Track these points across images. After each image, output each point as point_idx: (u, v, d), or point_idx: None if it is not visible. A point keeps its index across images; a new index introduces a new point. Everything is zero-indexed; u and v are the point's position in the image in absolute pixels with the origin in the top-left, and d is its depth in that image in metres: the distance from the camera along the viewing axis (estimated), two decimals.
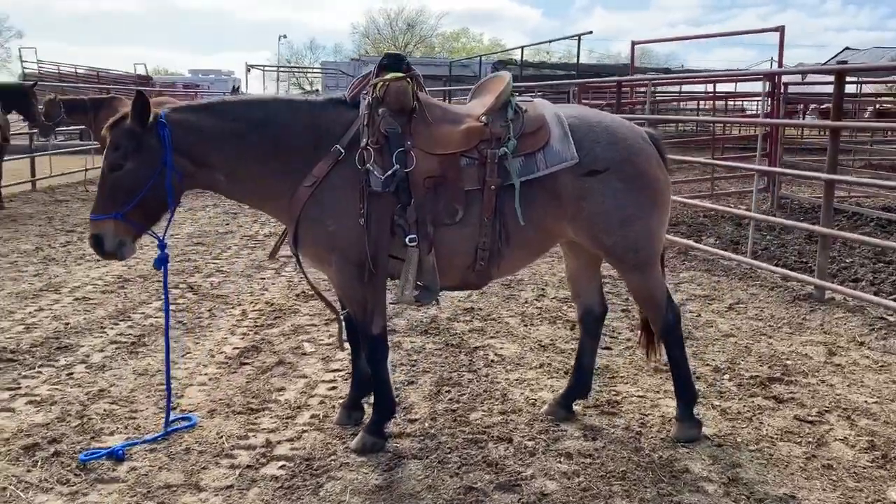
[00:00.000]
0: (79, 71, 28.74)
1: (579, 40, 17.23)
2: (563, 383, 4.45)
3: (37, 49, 28.23)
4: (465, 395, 4.32)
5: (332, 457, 3.57)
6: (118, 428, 3.88)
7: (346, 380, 4.53)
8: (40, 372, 4.65)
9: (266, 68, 32.54)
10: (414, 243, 3.35)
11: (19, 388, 4.38)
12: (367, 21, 77.67)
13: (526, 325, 5.70)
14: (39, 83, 22.85)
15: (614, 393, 4.40)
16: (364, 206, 3.31)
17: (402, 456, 3.57)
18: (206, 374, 4.64)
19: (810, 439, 3.84)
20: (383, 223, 3.34)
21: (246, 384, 4.49)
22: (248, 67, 28.89)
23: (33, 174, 13.68)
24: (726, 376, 4.72)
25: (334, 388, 4.43)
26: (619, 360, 4.99)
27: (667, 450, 3.68)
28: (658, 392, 4.42)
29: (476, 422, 3.96)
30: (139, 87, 25.49)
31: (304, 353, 5.02)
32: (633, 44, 12.91)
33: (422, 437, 3.77)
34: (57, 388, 4.39)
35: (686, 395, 3.82)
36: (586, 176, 3.45)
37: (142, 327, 5.57)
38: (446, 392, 4.36)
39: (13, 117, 12.02)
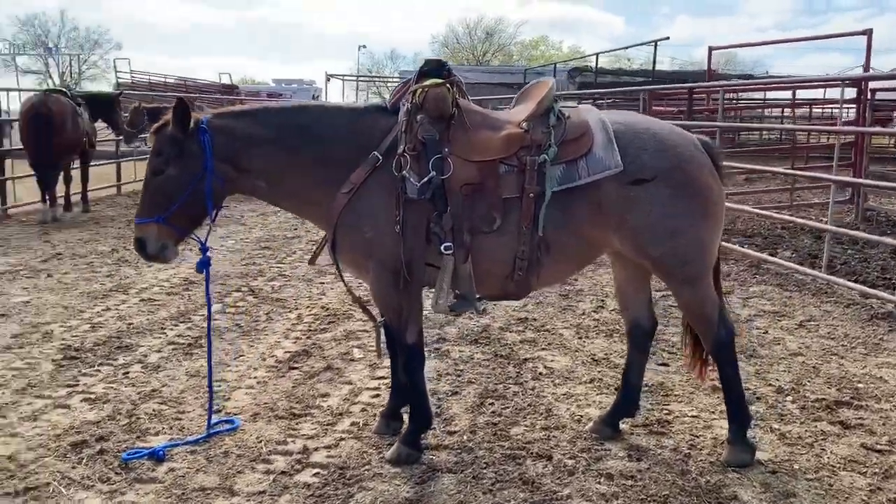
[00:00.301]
0: (168, 81, 29.92)
1: (655, 46, 16.82)
2: (612, 400, 4.30)
3: (130, 60, 29.59)
4: (508, 408, 4.21)
5: (367, 466, 3.53)
6: (163, 428, 3.95)
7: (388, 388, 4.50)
8: (99, 370, 4.79)
9: (346, 78, 33.05)
10: (449, 251, 3.29)
11: (77, 385, 4.53)
12: (446, 30, 78.19)
13: (581, 338, 5.54)
14: (132, 92, 23.95)
15: (666, 412, 4.22)
16: (400, 213, 3.27)
17: (436, 469, 3.51)
18: (254, 378, 4.69)
19: (877, 470, 3.58)
20: (419, 230, 3.29)
21: (292, 388, 4.51)
22: (328, 77, 29.40)
23: (119, 179, 14.28)
24: (789, 398, 4.46)
25: (377, 395, 4.40)
26: (675, 377, 4.78)
27: (715, 474, 3.49)
28: (713, 412, 4.21)
29: (516, 437, 3.85)
30: (224, 96, 26.33)
31: (353, 359, 5.02)
32: (710, 49, 12.51)
33: (459, 451, 3.69)
34: (112, 387, 4.51)
35: (739, 416, 3.62)
36: (632, 184, 3.31)
37: (200, 329, 5.68)
38: (489, 404, 4.26)
39: (100, 124, 12.55)
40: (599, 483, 3.39)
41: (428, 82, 3.39)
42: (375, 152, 3.33)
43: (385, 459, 3.58)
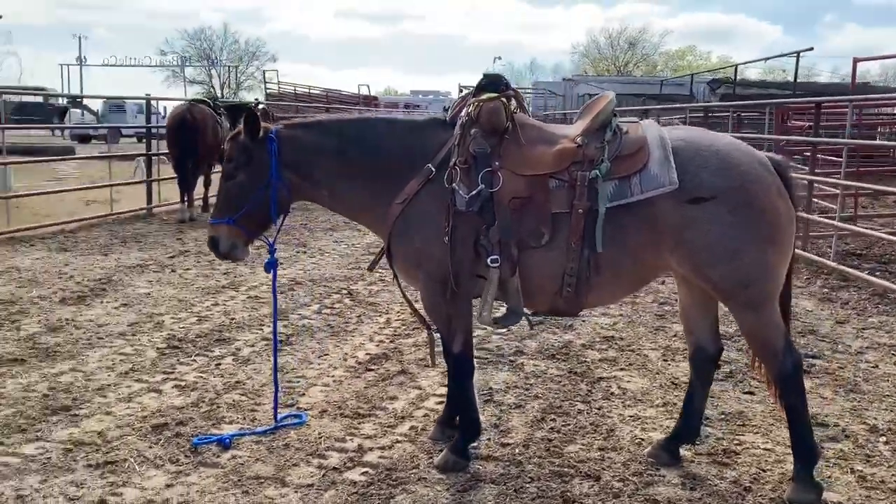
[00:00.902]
0: (311, 91, 31.43)
1: (798, 57, 15.87)
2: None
3: (279, 72, 31.37)
4: (569, 425, 4.17)
5: (414, 470, 3.61)
6: (238, 418, 4.21)
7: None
8: (195, 360, 5.17)
9: None
10: (496, 264, 3.32)
11: (172, 372, 4.91)
12: (587, 41, 77.29)
13: (665, 360, 5.37)
14: (278, 102, 25.40)
15: (737, 442, 4.02)
16: (449, 225, 3.34)
17: (480, 479, 3.53)
18: (332, 377, 4.89)
19: None
20: (467, 242, 3.34)
21: (363, 389, 4.67)
22: (461, 88, 29.86)
23: None
24: (882, 438, 4.13)
25: (442, 402, 4.46)
26: (758, 406, 4.55)
27: None
28: (788, 447, 3.95)
29: (570, 454, 3.81)
30: (363, 107, 27.36)
31: (427, 366, 5.12)
32: (855, 61, 11.70)
33: (508, 463, 3.70)
34: (202, 376, 4.85)
35: (803, 452, 3.40)
36: (690, 203, 3.20)
37: (294, 327, 5.99)
38: (550, 420, 4.24)
39: None
40: None
41: (484, 96, 3.44)
42: (429, 164, 3.42)
43: (433, 465, 3.64)
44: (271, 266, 3.86)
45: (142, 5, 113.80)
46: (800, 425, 3.41)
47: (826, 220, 8.50)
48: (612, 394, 4.67)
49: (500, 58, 64.93)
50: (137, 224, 11.22)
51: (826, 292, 7.46)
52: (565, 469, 3.64)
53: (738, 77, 23.26)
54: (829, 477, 3.67)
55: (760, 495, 3.46)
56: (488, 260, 3.32)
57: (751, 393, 4.77)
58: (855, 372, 5.21)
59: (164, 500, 3.29)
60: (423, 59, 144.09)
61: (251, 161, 3.52)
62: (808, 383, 4.85)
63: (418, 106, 39.24)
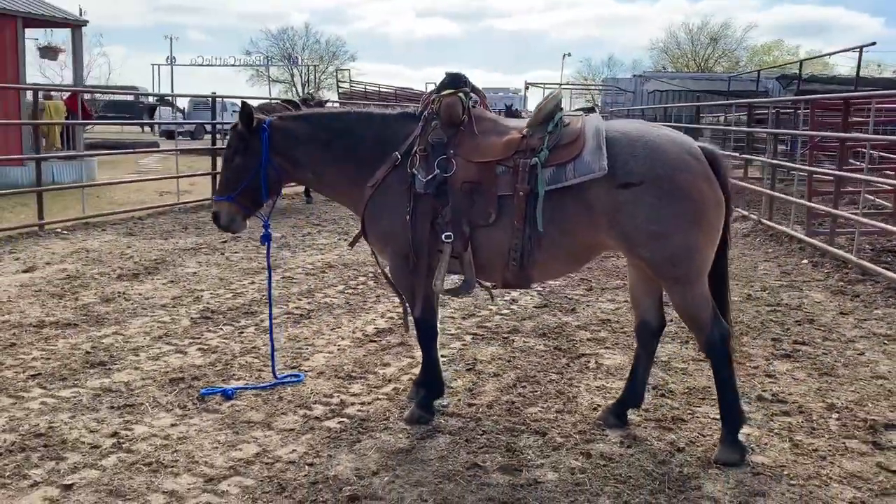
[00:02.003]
0: (382, 90, 32.32)
1: (860, 52, 15.55)
2: (647, 398, 4.52)
3: (357, 70, 32.45)
4: (536, 392, 4.58)
5: (384, 421, 4.11)
6: (245, 376, 4.80)
7: (444, 366, 5.04)
8: (221, 329, 5.81)
9: (546, 85, 33.63)
10: (449, 240, 3.77)
11: (199, 338, 5.55)
12: (666, 36, 75.91)
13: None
14: (349, 101, 26.29)
15: (689, 413, 4.35)
16: (410, 206, 3.81)
17: (439, 430, 4.00)
18: (337, 346, 5.44)
19: (875, 489, 3.52)
20: (425, 221, 3.81)
21: (362, 357, 5.20)
22: (527, 85, 30.20)
23: None
24: (836, 415, 4.37)
25: None
26: None
27: (694, 468, 3.65)
28: None
29: (527, 415, 4.23)
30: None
31: None
32: None
33: (469, 419, 4.15)
34: (225, 342, 5.48)
35: (730, 417, 3.73)
36: (621, 188, 3.58)
37: (317, 304, 6.58)
38: (521, 387, 4.66)
39: None
40: (576, 459, 3.70)
41: (445, 92, 3.90)
42: (396, 153, 3.90)
43: (402, 418, 4.13)
44: (266, 239, 4.42)
45: (233, 7, 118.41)
46: (726, 392, 3.73)
47: (848, 215, 8.54)
48: (587, 367, 5.05)
49: (569, 54, 64.75)
50: (201, 213, 12.09)
51: (841, 285, 7.56)
52: (518, 426, 4.07)
53: (814, 72, 22.74)
54: (766, 444, 3.97)
55: (690, 454, 3.80)
56: (443, 236, 3.78)
57: None
58: (837, 358, 5.41)
59: (165, 435, 3.89)
60: (505, 56, 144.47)
61: (247, 148, 4.08)
62: (786, 366, 5.17)
63: None
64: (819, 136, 9.47)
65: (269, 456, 3.69)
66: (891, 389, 4.81)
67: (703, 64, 68.48)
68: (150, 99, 40.07)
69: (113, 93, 32.77)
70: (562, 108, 3.84)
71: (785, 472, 3.64)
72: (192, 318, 6.05)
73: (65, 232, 10.03)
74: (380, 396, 4.48)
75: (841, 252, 8.49)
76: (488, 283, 4.10)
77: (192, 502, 3.25)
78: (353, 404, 4.36)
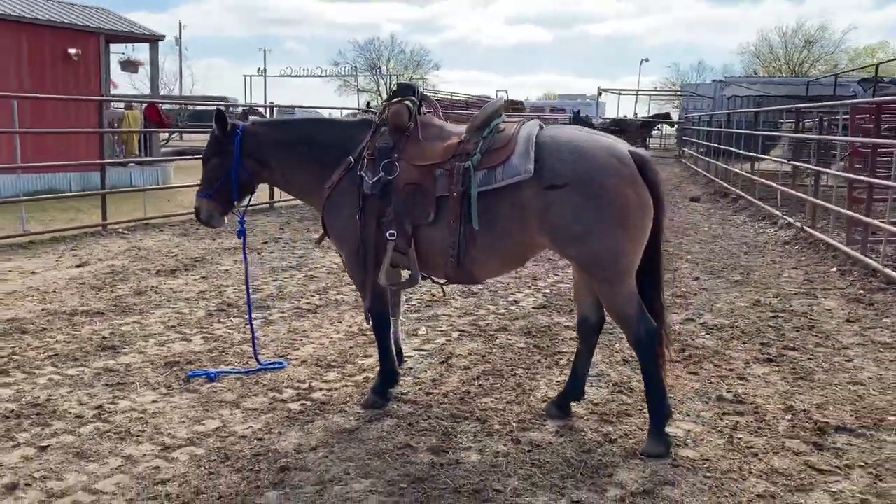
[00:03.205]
0: (452, 98, 32.80)
1: None
2: (601, 395, 4.69)
3: (426, 81, 32.93)
4: (496, 385, 4.81)
5: (343, 405, 4.44)
6: (236, 361, 5.23)
7: (421, 359, 5.34)
8: (231, 320, 6.28)
9: (622, 92, 33.34)
10: (393, 238, 4.07)
11: (208, 328, 6.04)
12: (758, 40, 73.59)
13: None
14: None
15: (640, 409, 4.48)
16: (360, 206, 4.13)
17: (389, 415, 4.30)
18: (330, 338, 5.81)
19: (791, 486, 3.60)
20: (372, 220, 4.12)
21: (348, 349, 5.55)
22: (600, 91, 30.04)
23: None
24: (788, 417, 4.42)
25: (404, 362, 5.25)
26: (693, 384, 4.94)
27: (616, 458, 3.81)
28: (687, 416, 4.39)
29: (478, 404, 4.47)
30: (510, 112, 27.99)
31: (415, 335, 5.91)
32: None
33: (420, 406, 4.43)
34: (229, 332, 5.94)
35: (656, 411, 3.87)
36: (548, 190, 3.79)
37: (328, 301, 6.98)
38: (484, 379, 4.90)
39: None
40: (504, 445, 3.93)
41: (396, 100, 4.21)
42: (350, 157, 4.24)
43: (358, 403, 4.45)
44: (241, 234, 4.83)
45: (329, 19, 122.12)
46: (653, 386, 3.88)
47: (876, 223, 8.32)
48: (557, 364, 5.24)
49: (647, 60, 63.40)
50: (256, 216, 12.77)
51: (861, 294, 7.41)
52: (463, 413, 4.32)
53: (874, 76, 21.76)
54: (702, 440, 4.08)
55: (620, 446, 3.96)
56: (387, 234, 4.09)
57: (694, 373, 5.15)
58: (820, 363, 5.40)
59: (143, 410, 4.34)
60: (596, 62, 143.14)
61: (222, 150, 4.50)
62: (763, 370, 5.23)
63: (563, 110, 39.59)
64: (857, 141, 9.24)
65: (226, 430, 4.08)
66: (862, 395, 4.79)
67: (796, 68, 66.06)
68: (239, 109, 41.86)
69: (195, 103, 34.44)
70: (500, 115, 4.08)
71: (705, 466, 3.76)
72: (208, 311, 6.55)
73: (125, 232, 10.85)
74: (349, 384, 4.82)
75: (869, 260, 8.29)
76: (441, 280, 4.37)
77: (143, 465, 3.66)
78: (320, 390, 4.71)
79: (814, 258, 9.33)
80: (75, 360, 5.19)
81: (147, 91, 23.60)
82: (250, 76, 70.37)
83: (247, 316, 6.31)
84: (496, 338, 5.86)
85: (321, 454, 3.81)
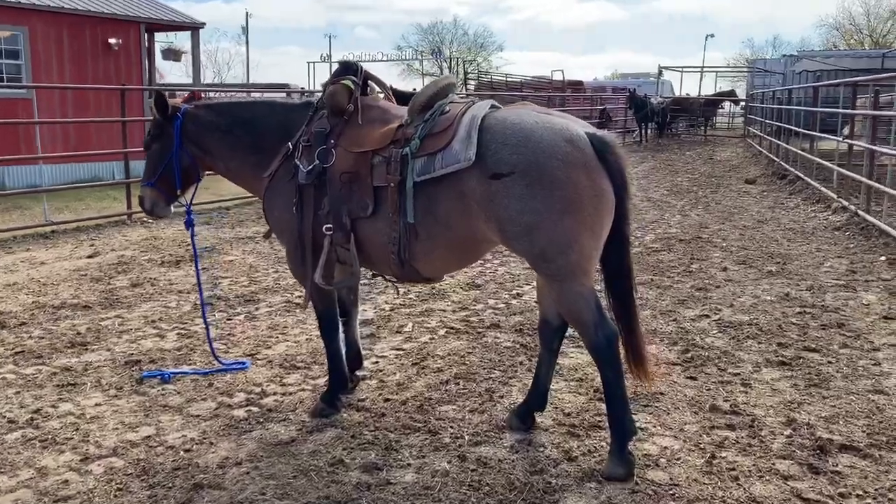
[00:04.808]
0: (508, 80, 32.16)
1: None
2: (576, 403, 4.26)
3: (478, 62, 32.30)
4: (464, 390, 4.42)
5: (289, 412, 4.13)
6: (200, 361, 4.98)
7: (395, 359, 4.98)
8: (214, 315, 6.05)
9: (685, 69, 32.02)
10: (329, 232, 3.71)
11: (187, 323, 5.82)
12: (837, 11, 69.93)
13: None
14: (478, 92, 26.30)
15: None
16: (297, 197, 3.79)
17: (334, 424, 3.96)
18: (307, 336, 5.51)
19: None
20: (308, 212, 3.77)
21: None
22: (660, 69, 28.90)
23: None
24: (787, 432, 3.90)
25: (376, 362, 4.91)
26: (688, 391, 4.44)
27: (571, 480, 3.38)
28: (664, 427, 3.92)
29: (437, 413, 4.09)
30: (556, 93, 27.51)
31: (398, 332, 5.56)
32: None
33: (373, 415, 4.08)
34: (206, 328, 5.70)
35: (617, 427, 3.42)
36: (492, 178, 3.35)
37: None
38: (453, 384, 4.51)
39: None
40: (449, 462, 3.54)
41: (343, 80, 3.83)
42: (289, 143, 3.88)
43: (307, 410, 4.13)
44: (189, 225, 4.55)
45: (398, 4, 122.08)
46: (614, 399, 3.42)
47: None
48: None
49: (712, 35, 60.71)
50: None
51: None
52: (416, 424, 3.94)
53: None
54: (679, 459, 3.61)
55: (579, 465, 3.52)
56: (323, 228, 3.73)
57: (692, 378, 4.64)
58: (841, 368, 4.81)
59: (80, 414, 4.12)
60: (668, 40, 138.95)
61: (161, 135, 4.21)
62: (772, 374, 4.71)
63: (624, 89, 38.38)
64: None
65: (156, 439, 3.82)
66: (881, 407, 4.21)
67: (880, 40, 62.50)
68: (298, 95, 42.15)
69: (252, 90, 34.72)
70: (447, 95, 3.66)
71: (670, 492, 3.30)
72: (195, 304, 6.34)
73: (149, 221, 10.82)
74: (307, 388, 4.50)
75: None
76: (391, 278, 3.99)
77: (53, 479, 3.43)
78: (274, 394, 4.41)
79: (863, 245, 8.54)
80: (39, 357, 5.04)
81: (208, 80, 23.78)
82: (314, 62, 70.99)
83: (232, 310, 6.10)
84: (484, 336, 5.45)
85: (244, 470, 3.50)
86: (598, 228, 3.36)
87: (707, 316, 5.94)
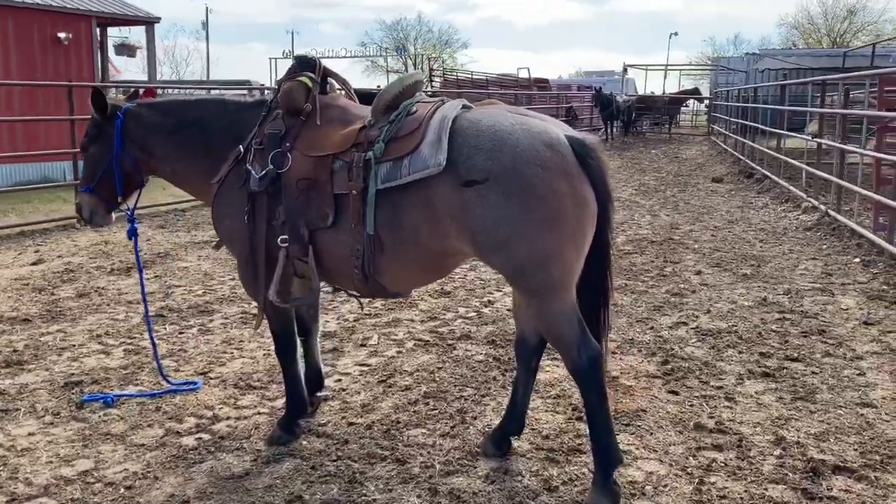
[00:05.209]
0: (473, 78, 31.88)
1: None
2: (555, 424, 3.98)
3: (442, 59, 32.04)
4: (434, 410, 4.11)
5: (243, 441, 3.78)
6: (147, 381, 4.60)
7: (359, 376, 4.66)
8: (165, 328, 5.66)
9: (649, 67, 32.06)
10: (285, 244, 3.38)
11: (135, 338, 5.42)
12: (796, 10, 71.15)
13: (613, 356, 5.05)
14: (440, 90, 26.02)
15: None
16: (248, 205, 3.44)
17: (292, 454, 3.63)
18: (265, 350, 5.15)
19: None
20: (262, 222, 3.43)
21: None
22: (625, 67, 28.85)
23: None
24: (777, 451, 3.66)
25: (339, 381, 4.58)
26: (671, 408, 4.19)
27: None
28: (652, 450, 3.66)
29: (406, 438, 3.78)
30: (523, 91, 27.24)
31: (363, 345, 5.23)
32: None
33: (336, 442, 3.75)
34: (157, 343, 5.31)
35: (601, 455, 3.14)
36: (465, 186, 3.04)
37: None
38: (423, 404, 4.20)
39: None
40: (419, 496, 3.23)
41: (299, 77, 3.49)
42: (241, 146, 3.53)
43: (262, 437, 3.79)
44: (132, 234, 4.18)
45: (365, 1, 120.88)
46: (597, 426, 3.14)
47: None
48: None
49: (676, 33, 61.55)
50: None
51: (884, 290, 6.54)
52: (382, 452, 3.63)
53: None
54: (665, 487, 3.35)
55: (559, 496, 3.25)
56: (278, 240, 3.39)
57: (674, 393, 4.40)
58: (826, 378, 4.61)
59: (11, 446, 3.73)
60: (631, 38, 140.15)
61: (100, 135, 3.82)
62: (756, 387, 4.48)
63: (588, 87, 38.39)
64: (886, 116, 8.28)
65: (94, 475, 3.45)
66: (871, 422, 4.01)
67: (838, 39, 63.65)
68: (259, 93, 41.40)
69: (212, 87, 34.02)
70: (413, 94, 3.34)
71: None
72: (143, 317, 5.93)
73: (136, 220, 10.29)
74: (263, 411, 4.16)
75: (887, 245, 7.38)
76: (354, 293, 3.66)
77: None
78: (227, 419, 4.06)
79: (836, 246, 8.43)
80: None
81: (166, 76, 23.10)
82: (276, 59, 69.91)
83: (184, 323, 5.73)
84: (454, 348, 5.15)
85: None
86: (581, 240, 3.08)
87: (685, 323, 5.72)
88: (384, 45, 71.94)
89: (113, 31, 18.50)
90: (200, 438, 3.82)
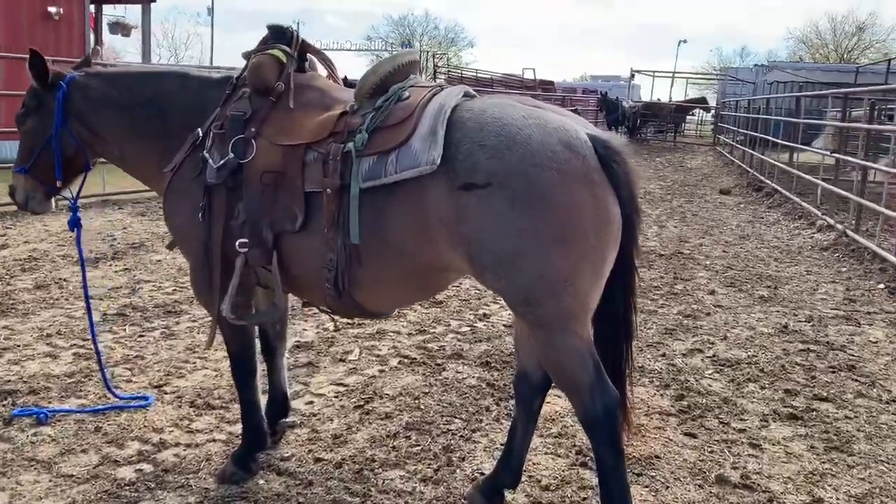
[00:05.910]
0: (478, 76, 31.29)
1: None
2: (555, 469, 3.43)
3: (447, 57, 31.53)
4: (417, 446, 3.56)
5: (189, 475, 3.23)
6: (94, 393, 4.04)
7: (334, 399, 4.11)
8: (125, 330, 5.10)
9: (656, 74, 31.53)
10: (244, 249, 2.82)
11: (87, 341, 4.84)
12: (804, 25, 70.81)
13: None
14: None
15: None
16: (204, 200, 2.88)
17: (245, 495, 3.07)
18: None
19: None
20: (218, 221, 2.87)
21: None
22: (632, 73, 28.30)
23: None
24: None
25: (310, 403, 4.03)
26: (689, 453, 3.65)
27: None
28: (661, 483, 3.11)
29: (379, 482, 3.22)
30: (529, 91, 26.83)
31: (341, 360, 4.68)
32: None
33: (298, 483, 3.19)
34: (112, 347, 4.76)
35: None
36: (463, 190, 2.49)
37: None
38: (403, 438, 3.65)
39: None
40: None
41: (264, 50, 2.93)
42: (199, 129, 2.97)
43: (214, 473, 3.23)
44: (73, 224, 3.62)
45: None
46: (610, 486, 2.60)
47: None
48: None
49: (685, 41, 60.94)
50: None
51: None
52: (351, 500, 3.07)
53: None
54: None
55: None
56: (236, 244, 2.83)
57: (691, 435, 3.85)
58: (863, 425, 4.07)
59: None
60: (638, 44, 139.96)
61: (39, 108, 3.24)
62: (785, 432, 3.95)
63: (593, 91, 37.86)
64: None
65: None
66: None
67: (845, 55, 63.27)
68: None
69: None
70: (407, 77, 2.78)
71: None
72: (105, 314, 5.38)
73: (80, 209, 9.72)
74: (220, 436, 3.60)
75: None
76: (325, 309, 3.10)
77: None
78: (176, 445, 3.50)
79: (856, 270, 7.88)
80: None
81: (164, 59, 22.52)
82: None
83: (147, 324, 5.19)
84: (444, 369, 4.59)
85: None
86: (601, 263, 2.52)
87: (700, 350, 5.17)
88: (390, 40, 71.37)
89: (108, 9, 17.89)
90: (141, 470, 3.25)
